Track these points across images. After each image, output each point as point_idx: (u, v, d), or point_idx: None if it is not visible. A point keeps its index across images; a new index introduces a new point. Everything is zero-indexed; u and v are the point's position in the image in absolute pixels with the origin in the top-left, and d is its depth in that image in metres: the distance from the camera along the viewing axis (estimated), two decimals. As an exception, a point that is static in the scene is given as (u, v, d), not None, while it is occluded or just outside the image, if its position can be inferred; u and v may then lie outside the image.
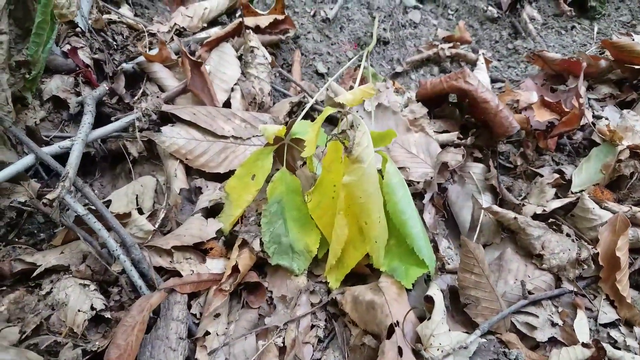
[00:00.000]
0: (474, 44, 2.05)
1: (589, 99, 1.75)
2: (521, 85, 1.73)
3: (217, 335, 0.96)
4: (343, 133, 1.08)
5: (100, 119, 1.24)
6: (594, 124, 1.54)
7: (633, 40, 1.66)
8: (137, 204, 1.16)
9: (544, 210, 1.28)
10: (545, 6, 2.25)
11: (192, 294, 1.02)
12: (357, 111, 1.39)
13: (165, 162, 1.24)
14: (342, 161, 1.08)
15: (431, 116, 1.47)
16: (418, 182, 1.28)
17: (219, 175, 1.27)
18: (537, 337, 1.03)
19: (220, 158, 1.27)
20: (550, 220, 1.27)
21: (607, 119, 1.60)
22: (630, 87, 1.72)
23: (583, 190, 1.39)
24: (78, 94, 1.23)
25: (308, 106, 1.28)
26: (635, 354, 1.03)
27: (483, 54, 1.94)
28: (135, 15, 1.60)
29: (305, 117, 1.48)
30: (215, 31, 1.57)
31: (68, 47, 1.26)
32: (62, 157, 1.08)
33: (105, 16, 1.47)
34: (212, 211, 1.21)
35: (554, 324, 1.06)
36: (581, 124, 1.52)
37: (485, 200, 1.31)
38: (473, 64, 1.90)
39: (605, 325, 1.09)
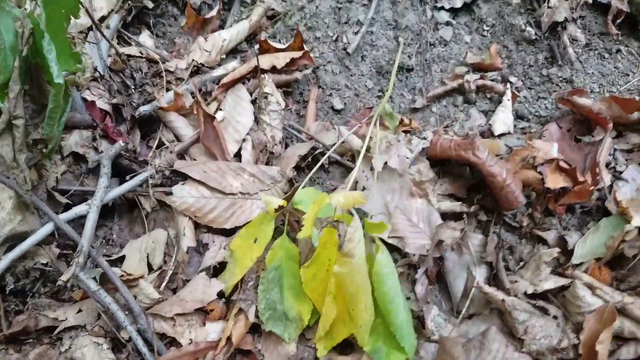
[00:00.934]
0: (506, 68, 1.95)
1: (614, 149, 1.68)
2: (544, 131, 1.67)
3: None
4: (337, 222, 1.12)
5: (117, 171, 1.32)
6: (610, 189, 1.49)
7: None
8: (148, 260, 1.27)
9: (535, 290, 1.31)
10: (592, 23, 2.07)
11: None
12: (362, 171, 1.41)
13: (176, 217, 1.33)
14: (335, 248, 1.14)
15: (440, 173, 1.47)
16: (414, 255, 1.32)
17: (226, 230, 1.35)
18: None
19: (228, 214, 1.34)
20: (540, 301, 1.30)
21: (627, 181, 1.55)
22: (663, 139, 1.63)
23: (583, 263, 1.40)
24: (96, 148, 1.30)
25: (315, 168, 1.31)
26: None
27: (512, 84, 1.86)
28: (156, 40, 1.61)
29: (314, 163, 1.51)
30: (233, 66, 1.57)
31: (87, 98, 1.32)
32: (80, 219, 1.20)
33: (124, 49, 1.49)
34: (218, 268, 1.30)
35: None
36: (598, 187, 1.48)
37: (480, 273, 1.35)
38: (501, 95, 1.83)
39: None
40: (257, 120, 1.48)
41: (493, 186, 1.33)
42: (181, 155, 1.39)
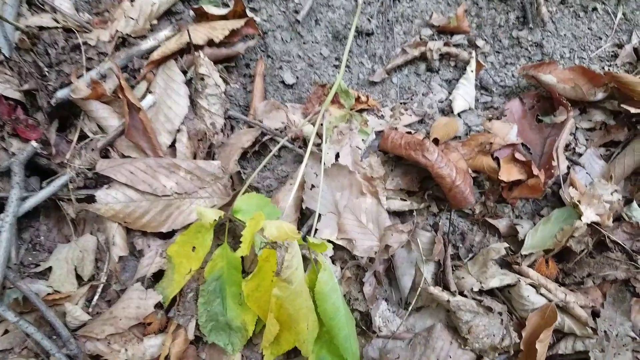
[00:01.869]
0: (474, 29, 1.79)
1: (576, 127, 1.62)
2: (506, 110, 1.58)
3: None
4: (274, 244, 1.06)
5: (35, 171, 1.17)
6: (564, 179, 1.46)
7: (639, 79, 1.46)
8: (77, 272, 1.17)
9: (481, 288, 1.31)
10: (570, -25, 1.89)
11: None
12: (311, 168, 1.30)
13: (104, 222, 1.21)
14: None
15: (392, 164, 1.38)
16: (362, 257, 1.28)
17: (162, 232, 1.25)
18: None
19: (163, 217, 1.23)
20: (485, 298, 1.31)
21: (583, 167, 1.51)
22: (624, 120, 1.58)
23: (532, 254, 1.40)
24: (5, 150, 1.13)
25: (259, 168, 1.20)
26: None
27: (478, 49, 1.72)
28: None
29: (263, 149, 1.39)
30: (166, 34, 1.36)
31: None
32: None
33: (35, 19, 1.25)
34: (156, 272, 1.22)
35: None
36: (553, 178, 1.44)
37: (428, 270, 1.33)
38: (466, 63, 1.69)
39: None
40: (193, 105, 1.31)
41: (442, 186, 1.27)
42: (106, 151, 1.23)
